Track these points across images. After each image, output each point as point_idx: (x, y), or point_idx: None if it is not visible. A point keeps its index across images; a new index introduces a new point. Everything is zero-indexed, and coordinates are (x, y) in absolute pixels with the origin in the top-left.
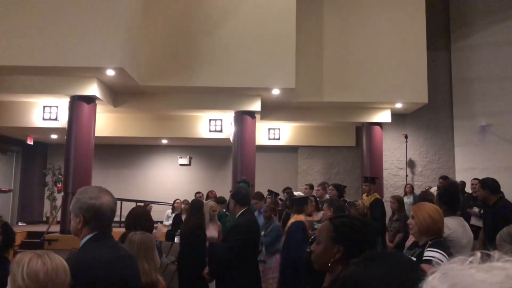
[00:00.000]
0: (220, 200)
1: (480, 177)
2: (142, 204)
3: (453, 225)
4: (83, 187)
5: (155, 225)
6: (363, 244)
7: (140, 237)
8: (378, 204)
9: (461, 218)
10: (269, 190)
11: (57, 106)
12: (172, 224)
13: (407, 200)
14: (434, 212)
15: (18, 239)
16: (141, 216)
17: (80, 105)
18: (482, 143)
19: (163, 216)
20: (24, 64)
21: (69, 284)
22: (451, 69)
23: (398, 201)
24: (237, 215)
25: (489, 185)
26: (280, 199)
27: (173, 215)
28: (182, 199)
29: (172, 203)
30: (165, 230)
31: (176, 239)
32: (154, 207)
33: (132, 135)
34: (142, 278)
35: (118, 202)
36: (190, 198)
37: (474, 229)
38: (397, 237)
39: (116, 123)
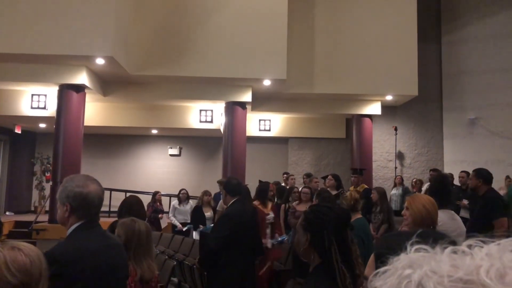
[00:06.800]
0: None
1: (469, 170)
2: (130, 194)
3: (442, 219)
4: (69, 176)
5: (160, 215)
6: (324, 230)
7: (145, 226)
8: (368, 194)
9: (452, 212)
10: (260, 181)
11: (45, 95)
12: (192, 218)
13: (396, 191)
14: (429, 204)
15: (6, 229)
16: (134, 205)
17: (69, 94)
18: (471, 136)
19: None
20: (12, 51)
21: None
22: (441, 62)
23: (379, 193)
24: (228, 205)
25: (483, 175)
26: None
27: (190, 207)
28: (180, 190)
29: (177, 193)
30: (168, 221)
31: (195, 235)
32: (144, 198)
33: (121, 125)
34: (148, 275)
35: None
36: (187, 188)
37: (464, 221)
38: (381, 228)
39: (105, 113)
